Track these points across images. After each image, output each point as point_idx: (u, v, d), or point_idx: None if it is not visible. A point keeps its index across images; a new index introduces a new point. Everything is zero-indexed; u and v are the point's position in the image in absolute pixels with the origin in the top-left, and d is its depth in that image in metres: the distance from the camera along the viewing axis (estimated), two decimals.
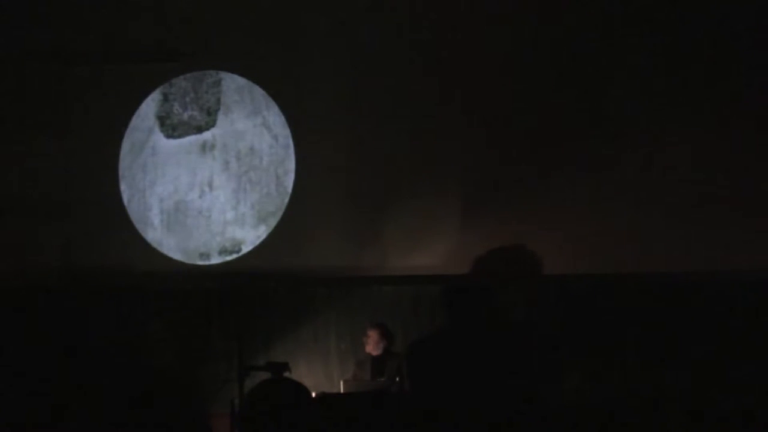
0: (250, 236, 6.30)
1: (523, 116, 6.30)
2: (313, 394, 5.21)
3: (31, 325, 6.16)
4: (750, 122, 6.28)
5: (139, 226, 6.26)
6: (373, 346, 5.82)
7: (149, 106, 6.39)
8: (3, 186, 6.29)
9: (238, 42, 6.34)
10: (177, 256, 6.25)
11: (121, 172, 6.32)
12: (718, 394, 6.05)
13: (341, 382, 5.65)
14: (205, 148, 6.36)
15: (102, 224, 6.24)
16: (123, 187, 6.30)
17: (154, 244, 6.26)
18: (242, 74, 6.35)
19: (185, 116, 6.39)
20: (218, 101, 6.39)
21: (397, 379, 5.56)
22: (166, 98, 6.40)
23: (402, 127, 6.30)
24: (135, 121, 6.37)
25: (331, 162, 6.30)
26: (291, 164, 6.31)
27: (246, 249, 6.29)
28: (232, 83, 6.40)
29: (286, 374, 5.09)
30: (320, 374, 6.16)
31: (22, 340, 6.12)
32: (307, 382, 5.42)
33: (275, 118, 6.37)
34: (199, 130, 6.39)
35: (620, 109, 6.31)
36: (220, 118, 6.40)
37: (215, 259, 6.27)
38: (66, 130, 6.30)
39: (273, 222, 6.30)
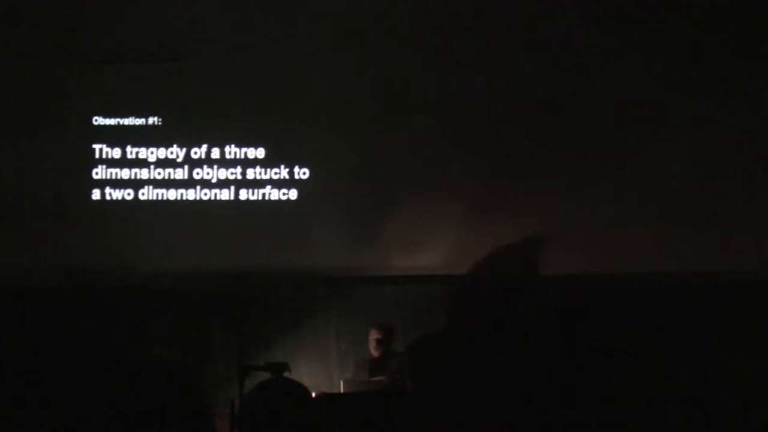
0: None
1: (524, 116, 6.30)
2: (313, 394, 5.21)
3: (31, 325, 6.15)
4: (751, 122, 6.29)
5: (139, 225, 6.25)
6: (374, 346, 5.83)
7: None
8: (2, 186, 6.29)
9: (238, 42, 6.34)
10: (179, 255, 6.24)
11: (121, 172, 6.32)
12: (718, 393, 6.05)
13: (341, 382, 5.65)
14: None
15: (101, 224, 6.24)
16: (123, 186, 6.30)
17: (156, 243, 6.26)
18: (242, 74, 6.35)
19: None
20: None
21: (398, 376, 5.57)
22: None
23: (402, 127, 6.30)
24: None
25: (331, 162, 6.30)
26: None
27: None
28: None
29: (286, 374, 5.09)
30: (320, 374, 6.16)
31: (22, 340, 6.12)
32: (307, 382, 5.43)
33: None
34: None
35: (621, 109, 6.32)
36: None
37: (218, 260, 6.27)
38: (65, 129, 6.29)
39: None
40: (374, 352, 5.84)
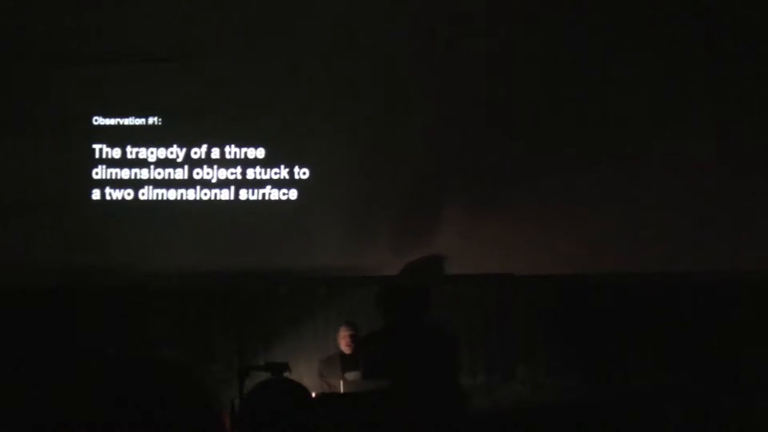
0: None
1: (524, 116, 6.30)
2: (313, 394, 5.22)
3: (31, 325, 6.15)
4: (750, 122, 6.29)
5: (139, 225, 6.25)
6: (347, 343, 5.91)
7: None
8: (2, 186, 6.29)
9: (238, 41, 6.34)
10: (179, 255, 6.24)
11: (121, 172, 6.31)
12: (718, 394, 6.06)
13: (341, 382, 5.65)
14: None
15: (101, 224, 6.23)
16: (123, 186, 6.30)
17: (156, 243, 6.25)
18: (242, 74, 6.34)
19: None
20: None
21: (372, 372, 5.71)
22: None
23: (402, 127, 6.30)
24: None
25: (330, 162, 6.29)
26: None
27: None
28: None
29: (286, 374, 5.09)
30: None
31: (22, 341, 6.11)
32: (307, 382, 5.45)
33: None
34: None
35: (620, 108, 6.32)
36: None
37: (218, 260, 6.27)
38: (65, 129, 6.29)
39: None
40: (347, 349, 5.93)
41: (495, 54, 6.31)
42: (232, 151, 6.33)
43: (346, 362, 5.91)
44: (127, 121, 6.34)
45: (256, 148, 6.32)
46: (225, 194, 6.29)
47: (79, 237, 6.22)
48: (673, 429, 6.01)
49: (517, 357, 6.30)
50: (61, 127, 6.28)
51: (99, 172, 6.29)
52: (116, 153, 6.31)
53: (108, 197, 6.26)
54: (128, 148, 6.32)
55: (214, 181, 6.31)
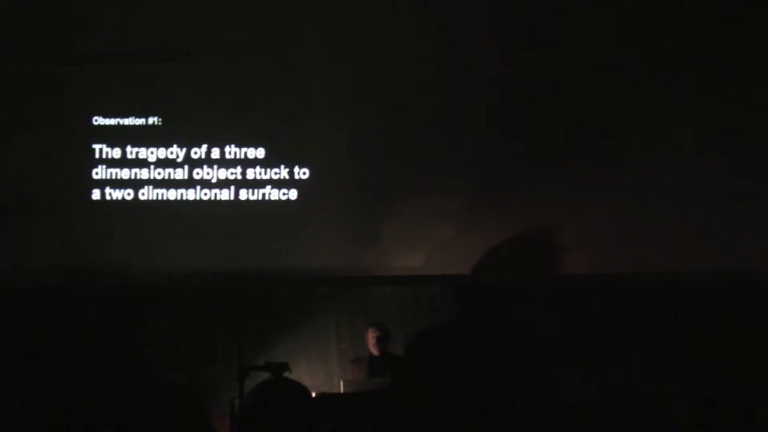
0: None
1: (524, 116, 6.30)
2: (313, 394, 5.21)
3: (31, 325, 6.15)
4: (750, 123, 6.29)
5: (139, 225, 6.25)
6: (374, 344, 5.85)
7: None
8: (3, 185, 6.29)
9: (238, 41, 6.34)
10: (180, 255, 6.24)
11: (121, 172, 6.32)
12: (718, 393, 6.06)
13: (341, 382, 5.65)
14: None
15: (101, 224, 6.24)
16: (123, 186, 6.30)
17: (156, 243, 6.26)
18: (242, 74, 6.35)
19: None
20: None
21: (399, 375, 5.63)
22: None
23: (402, 127, 6.30)
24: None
25: (330, 162, 6.30)
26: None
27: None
28: None
29: (286, 374, 5.09)
30: (320, 374, 6.16)
31: (22, 341, 6.11)
32: (307, 382, 5.45)
33: None
34: None
35: (621, 110, 6.32)
36: None
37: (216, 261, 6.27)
38: (65, 129, 6.29)
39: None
40: (374, 351, 5.86)
41: (495, 55, 6.32)
42: (232, 151, 6.33)
43: (374, 365, 5.84)
44: (127, 121, 6.35)
45: (256, 148, 6.32)
46: (225, 194, 6.29)
47: (79, 237, 6.22)
48: (676, 428, 6.02)
49: (520, 357, 6.29)
50: (61, 127, 6.28)
51: (99, 172, 6.30)
52: (116, 153, 6.32)
53: (108, 197, 6.26)
54: (128, 148, 6.32)
55: (214, 181, 6.31)
